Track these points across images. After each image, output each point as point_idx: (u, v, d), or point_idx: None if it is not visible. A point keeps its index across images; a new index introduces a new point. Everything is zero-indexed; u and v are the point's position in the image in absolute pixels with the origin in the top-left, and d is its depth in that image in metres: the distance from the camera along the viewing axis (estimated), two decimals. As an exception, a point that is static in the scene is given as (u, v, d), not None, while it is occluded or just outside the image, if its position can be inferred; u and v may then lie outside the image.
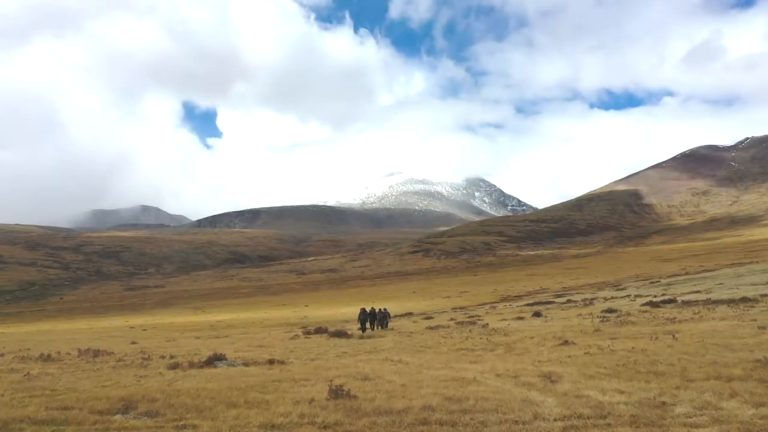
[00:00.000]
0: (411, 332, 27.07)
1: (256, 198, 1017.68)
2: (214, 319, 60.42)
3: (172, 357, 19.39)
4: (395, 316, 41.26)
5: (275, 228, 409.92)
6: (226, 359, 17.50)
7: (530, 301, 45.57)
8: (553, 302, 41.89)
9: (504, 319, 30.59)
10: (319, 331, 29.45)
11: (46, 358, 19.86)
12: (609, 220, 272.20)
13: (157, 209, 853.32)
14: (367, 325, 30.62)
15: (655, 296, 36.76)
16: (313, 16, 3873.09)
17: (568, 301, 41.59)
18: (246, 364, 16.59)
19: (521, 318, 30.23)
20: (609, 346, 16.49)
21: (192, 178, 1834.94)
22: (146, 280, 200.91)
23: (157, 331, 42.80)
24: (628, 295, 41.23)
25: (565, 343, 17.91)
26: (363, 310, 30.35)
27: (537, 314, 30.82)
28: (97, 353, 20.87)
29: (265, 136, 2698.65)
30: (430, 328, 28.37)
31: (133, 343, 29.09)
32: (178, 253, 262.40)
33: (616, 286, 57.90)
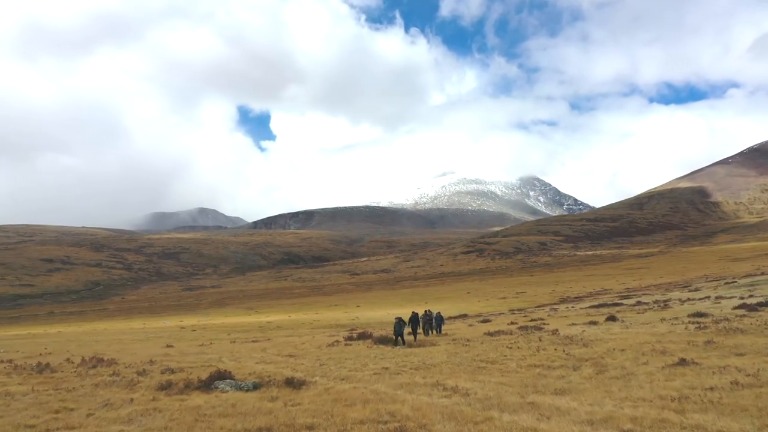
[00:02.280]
0: (468, 339, 23.45)
1: (310, 199, 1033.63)
2: (265, 319, 60.22)
3: (173, 372, 17.10)
4: (449, 318, 39.50)
5: (329, 229, 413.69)
6: (231, 378, 14.81)
7: (595, 303, 42.63)
8: (622, 304, 38.98)
9: (574, 324, 26.66)
10: (363, 336, 26.31)
11: (43, 368, 18.71)
12: (671, 218, 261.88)
13: (215, 211, 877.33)
14: (411, 329, 26.06)
15: (742, 297, 33.59)
16: (363, 17, 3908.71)
17: (638, 302, 38.58)
18: (255, 386, 14.00)
19: (594, 323, 26.16)
20: (760, 369, 12.10)
21: (247, 181, 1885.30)
22: (203, 280, 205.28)
23: (205, 332, 42.59)
24: (707, 297, 37.91)
25: (682, 362, 13.65)
26: (399, 321, 24.56)
27: (612, 318, 26.92)
28: (99, 362, 19.54)
29: (318, 138, 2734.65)
30: (490, 334, 24.59)
31: (168, 346, 28.24)
32: (234, 254, 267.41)
33: (686, 286, 54.39)
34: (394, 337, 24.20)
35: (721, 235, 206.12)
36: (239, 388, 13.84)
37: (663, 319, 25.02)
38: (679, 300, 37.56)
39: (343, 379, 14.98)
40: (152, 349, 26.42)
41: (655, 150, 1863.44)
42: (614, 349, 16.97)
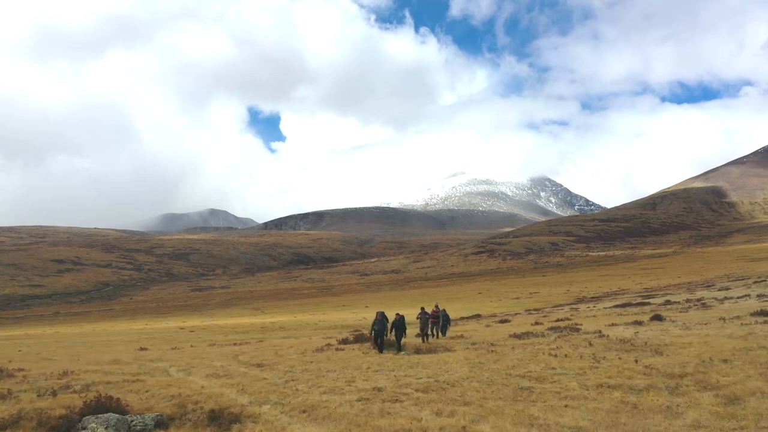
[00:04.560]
0: (491, 343, 18.72)
1: (320, 200, 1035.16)
2: (270, 320, 58.81)
3: (55, 393, 12.70)
4: (461, 318, 37.83)
5: (339, 230, 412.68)
6: (121, 410, 9.95)
7: (618, 302, 40.44)
8: (649, 303, 36.72)
9: (614, 324, 22.52)
10: (360, 339, 22.49)
11: None
12: (685, 218, 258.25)
13: (225, 212, 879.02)
14: (395, 336, 20.21)
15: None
16: (373, 17, 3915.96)
17: (667, 302, 36.26)
18: (157, 424, 9.64)
19: (639, 322, 21.91)
20: None
21: (257, 182, 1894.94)
22: (213, 281, 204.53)
23: (204, 332, 41.34)
24: (746, 295, 35.29)
25: None
26: (381, 318, 19.58)
27: (658, 318, 23.21)
28: None
29: (328, 139, 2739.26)
30: (516, 336, 20.39)
31: (141, 349, 26.27)
32: (244, 254, 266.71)
33: (709, 286, 52.27)
34: (378, 339, 19.50)
35: (736, 235, 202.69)
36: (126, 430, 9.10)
37: (722, 319, 21.52)
38: (715, 299, 34.98)
39: (304, 412, 10.38)
40: (115, 354, 24.06)
41: (668, 150, 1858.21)
42: (710, 359, 12.78)
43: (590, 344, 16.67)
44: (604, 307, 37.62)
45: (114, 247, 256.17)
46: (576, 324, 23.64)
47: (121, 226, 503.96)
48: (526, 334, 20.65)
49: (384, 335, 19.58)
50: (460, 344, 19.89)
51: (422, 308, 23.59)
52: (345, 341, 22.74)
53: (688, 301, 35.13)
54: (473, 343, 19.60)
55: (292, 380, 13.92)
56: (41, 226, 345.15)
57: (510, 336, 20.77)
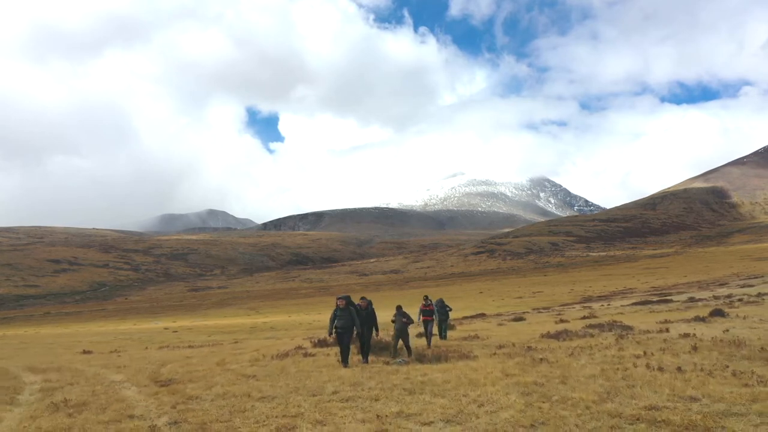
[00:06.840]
0: (529, 347, 13.83)
1: (319, 201, 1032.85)
2: (262, 320, 56.96)
3: None
4: (464, 317, 36.12)
5: (338, 230, 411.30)
6: None
7: (635, 300, 37.80)
8: (670, 300, 34.21)
9: (667, 321, 18.45)
10: None
11: None
12: (685, 218, 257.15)
13: (224, 213, 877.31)
14: (360, 337, 14.31)
15: None
16: (372, 17, 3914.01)
17: (691, 299, 33.77)
18: None
19: (701, 319, 18.26)
20: None
21: (256, 182, 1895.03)
22: (211, 281, 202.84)
23: (189, 333, 39.53)
24: None
25: None
26: (344, 305, 13.92)
27: (719, 313, 19.83)
28: None
29: (327, 140, 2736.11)
30: (552, 336, 15.94)
31: (85, 352, 23.47)
32: (242, 255, 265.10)
33: (723, 284, 50.46)
34: (344, 342, 13.77)
35: (737, 235, 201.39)
36: None
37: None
38: (747, 295, 32.14)
39: None
40: (45, 357, 21.63)
41: (668, 150, 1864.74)
42: None
43: (694, 348, 11.60)
44: (621, 305, 34.98)
45: (111, 248, 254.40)
46: (615, 321, 18.80)
47: (119, 226, 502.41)
48: (563, 334, 16.14)
49: (348, 337, 13.72)
50: (480, 348, 14.71)
51: (398, 307, 15.96)
52: (322, 343, 18.52)
53: (716, 297, 32.75)
54: (500, 347, 14.49)
55: (174, 423, 7.95)
56: (39, 227, 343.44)
57: (543, 336, 16.24)
